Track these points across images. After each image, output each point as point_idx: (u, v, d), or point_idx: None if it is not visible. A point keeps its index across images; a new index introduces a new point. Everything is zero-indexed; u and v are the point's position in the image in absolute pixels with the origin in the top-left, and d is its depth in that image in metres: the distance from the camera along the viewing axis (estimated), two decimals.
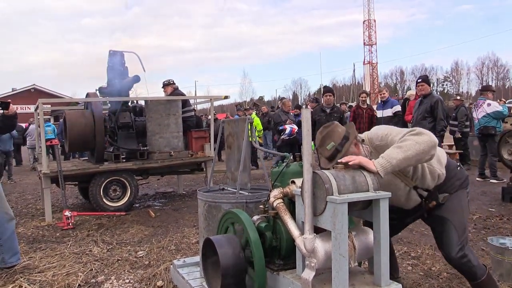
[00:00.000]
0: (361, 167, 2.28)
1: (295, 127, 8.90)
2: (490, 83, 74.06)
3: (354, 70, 69.91)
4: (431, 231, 5.12)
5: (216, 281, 2.59)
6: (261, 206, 2.74)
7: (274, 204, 2.43)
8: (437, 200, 2.58)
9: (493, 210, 6.20)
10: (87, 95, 7.84)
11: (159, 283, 3.70)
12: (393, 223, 2.89)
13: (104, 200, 6.90)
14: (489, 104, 8.60)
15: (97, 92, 8.33)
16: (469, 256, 2.60)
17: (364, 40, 60.84)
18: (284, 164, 2.63)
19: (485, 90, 9.03)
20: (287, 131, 9.05)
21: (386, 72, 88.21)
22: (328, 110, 7.65)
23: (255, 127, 12.03)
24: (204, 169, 7.91)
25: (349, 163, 2.24)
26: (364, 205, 2.23)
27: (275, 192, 2.46)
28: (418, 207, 2.68)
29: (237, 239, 2.57)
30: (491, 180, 8.49)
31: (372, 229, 2.28)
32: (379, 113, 8.99)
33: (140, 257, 4.54)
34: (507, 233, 4.99)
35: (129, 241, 5.21)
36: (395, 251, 3.46)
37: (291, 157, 2.68)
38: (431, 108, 6.58)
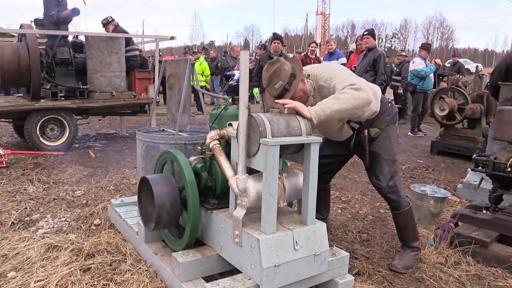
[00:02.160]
0: (296, 112, 2.36)
1: None
2: (435, 43, 76.75)
3: (306, 20, 69.50)
4: (363, 178, 5.46)
5: (151, 219, 2.65)
6: (199, 148, 2.77)
7: (210, 145, 2.47)
8: (369, 133, 2.72)
9: (421, 161, 6.66)
10: (21, 26, 7.28)
11: (96, 221, 3.71)
12: (331, 161, 3.08)
13: (41, 139, 6.63)
14: (413, 62, 9.07)
15: (33, 24, 7.78)
16: (398, 187, 2.87)
17: None
18: (223, 106, 2.65)
19: (420, 47, 9.40)
20: (235, 77, 9.00)
21: (338, 25, 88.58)
22: (275, 57, 7.65)
23: (203, 72, 11.83)
24: (148, 111, 7.76)
25: (284, 106, 2.30)
26: (296, 149, 2.32)
27: (212, 134, 2.50)
28: (350, 140, 2.82)
29: (173, 179, 2.61)
30: (408, 133, 9.06)
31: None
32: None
33: (77, 196, 4.49)
34: (429, 182, 5.41)
35: (66, 181, 5.11)
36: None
37: (230, 100, 2.71)
38: (374, 62, 6.77)
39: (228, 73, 10.01)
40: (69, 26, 7.55)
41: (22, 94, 8.10)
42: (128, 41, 7.98)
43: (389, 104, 2.89)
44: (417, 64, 8.85)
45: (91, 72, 7.17)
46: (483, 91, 7.22)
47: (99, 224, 3.65)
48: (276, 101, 2.33)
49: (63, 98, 6.98)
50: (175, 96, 3.48)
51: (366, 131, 2.75)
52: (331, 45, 9.11)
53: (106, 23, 8.08)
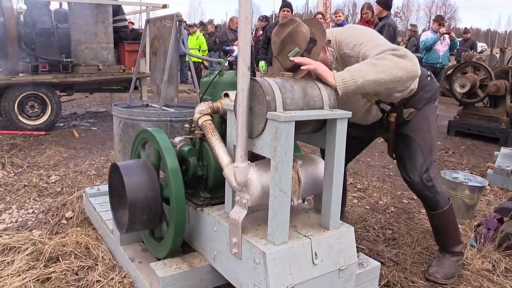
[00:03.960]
0: (316, 77, 1.74)
1: None
2: None
3: None
4: (377, 162, 4.86)
5: (123, 218, 2.06)
6: (187, 126, 2.16)
7: (200, 122, 1.85)
8: (400, 116, 2.12)
9: (438, 143, 6.05)
10: None
11: (68, 214, 3.11)
12: (350, 143, 2.45)
13: (20, 117, 6.00)
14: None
15: None
16: (434, 181, 2.25)
17: None
18: (216, 72, 2.02)
19: (433, 20, 8.90)
20: (234, 54, 8.26)
21: (339, 3, 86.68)
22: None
23: (200, 47, 11.12)
24: (139, 87, 7.11)
25: (301, 67, 1.68)
26: (315, 127, 1.71)
27: (202, 107, 1.88)
28: (378, 123, 2.23)
29: (152, 166, 2.01)
30: None
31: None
32: None
33: (52, 182, 3.89)
34: (452, 166, 4.82)
35: (43, 164, 4.51)
36: None
37: (226, 63, 2.07)
38: (379, 32, 6.11)
39: (227, 48, 9.24)
40: None
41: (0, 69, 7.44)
42: (117, 10, 7.28)
43: (428, 78, 2.25)
44: (423, 35, 8.49)
45: (75, 44, 6.49)
46: (507, 65, 6.56)
47: (71, 218, 3.06)
48: (291, 58, 1.69)
49: (46, 73, 6.34)
50: (160, 63, 2.85)
51: (394, 116, 2.13)
52: (339, 16, 8.36)
53: None
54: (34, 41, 6.46)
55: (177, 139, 2.06)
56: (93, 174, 4.12)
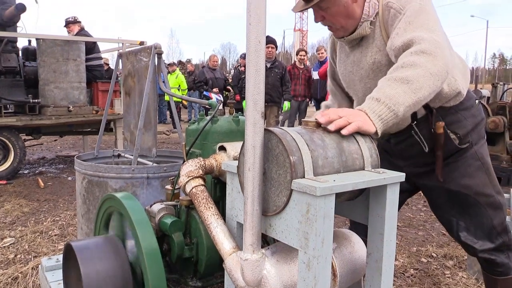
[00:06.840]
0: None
1: (221, 99, 7.84)
2: None
3: (284, 38, 69.29)
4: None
5: None
6: (168, 187, 1.65)
7: (188, 189, 1.34)
8: (447, 134, 1.58)
9: None
10: None
11: None
12: None
13: None
14: None
15: None
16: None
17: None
18: (209, 117, 1.53)
19: None
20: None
21: (314, 43, 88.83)
22: (268, 65, 6.49)
23: (179, 86, 10.72)
24: (114, 130, 6.56)
25: (341, 132, 1.18)
26: (351, 195, 1.22)
27: (191, 167, 1.37)
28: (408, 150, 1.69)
29: (122, 247, 1.47)
30: None
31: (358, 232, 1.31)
32: (315, 75, 8.09)
33: (5, 246, 3.26)
34: None
35: None
36: None
37: (221, 107, 1.58)
38: None
39: (205, 93, 8.83)
40: (19, 29, 6.35)
41: None
42: (92, 48, 6.83)
43: (476, 101, 1.76)
44: None
45: (43, 83, 5.95)
46: (504, 101, 6.32)
47: None
48: (317, 116, 1.21)
49: (9, 115, 5.76)
50: (135, 105, 2.35)
51: (442, 124, 1.56)
52: (322, 53, 8.11)
53: (72, 21, 6.90)
54: None
55: (156, 208, 1.53)
56: (55, 235, 3.50)
